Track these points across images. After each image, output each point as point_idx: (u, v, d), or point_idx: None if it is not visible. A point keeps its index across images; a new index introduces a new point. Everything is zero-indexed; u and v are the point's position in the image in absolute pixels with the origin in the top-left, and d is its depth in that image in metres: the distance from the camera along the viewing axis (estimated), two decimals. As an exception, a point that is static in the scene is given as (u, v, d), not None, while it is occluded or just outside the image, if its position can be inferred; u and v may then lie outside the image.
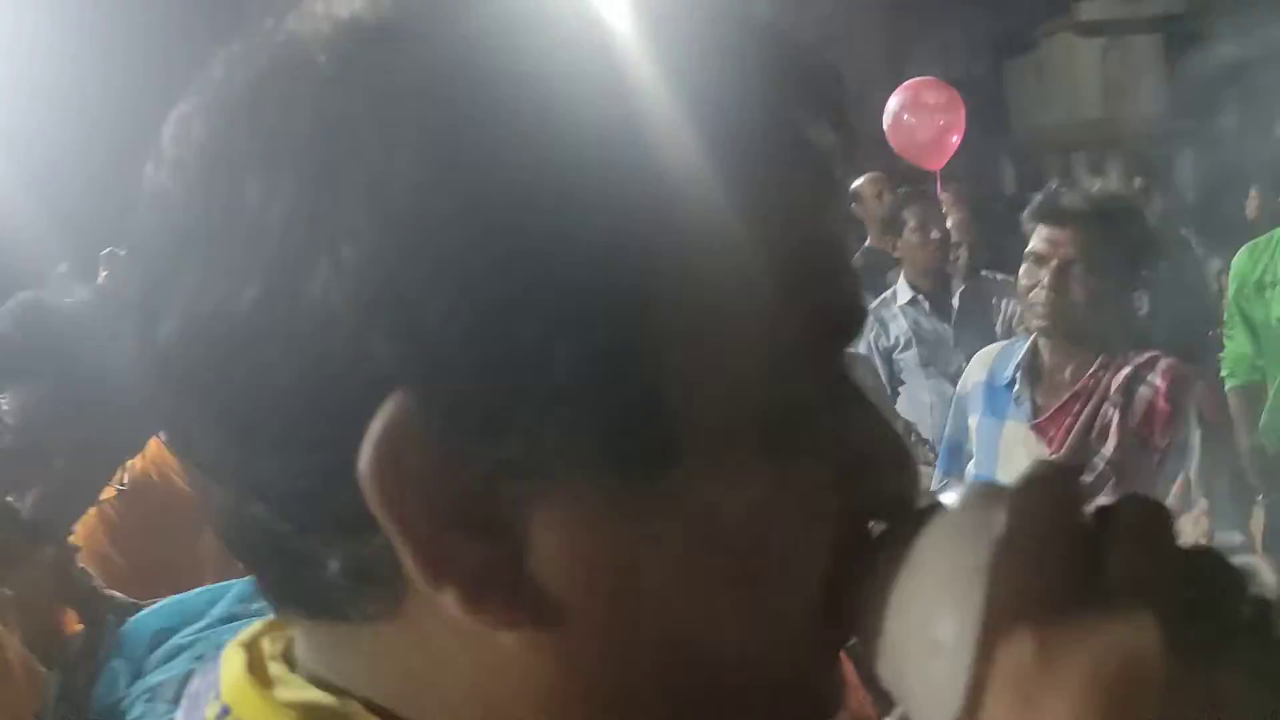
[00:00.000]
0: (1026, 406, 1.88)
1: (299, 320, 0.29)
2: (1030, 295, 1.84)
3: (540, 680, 0.32)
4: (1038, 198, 1.94)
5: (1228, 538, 1.69)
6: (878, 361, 3.14)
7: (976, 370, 2.04)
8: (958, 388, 2.10)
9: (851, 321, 0.35)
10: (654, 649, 0.32)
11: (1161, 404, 1.76)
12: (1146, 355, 1.84)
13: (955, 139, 4.02)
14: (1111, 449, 1.77)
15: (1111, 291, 1.81)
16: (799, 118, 0.34)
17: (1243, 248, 2.72)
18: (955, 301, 3.22)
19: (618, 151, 0.30)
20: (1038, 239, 1.85)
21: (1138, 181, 5.05)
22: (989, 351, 2.06)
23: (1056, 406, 1.83)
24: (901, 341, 3.17)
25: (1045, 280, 1.81)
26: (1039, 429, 1.85)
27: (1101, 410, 1.79)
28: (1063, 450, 1.78)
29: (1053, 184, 1.98)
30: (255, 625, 0.37)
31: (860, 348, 3.00)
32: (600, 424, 0.30)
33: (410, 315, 0.29)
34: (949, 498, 0.34)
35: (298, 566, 0.32)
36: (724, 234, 0.31)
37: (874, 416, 0.36)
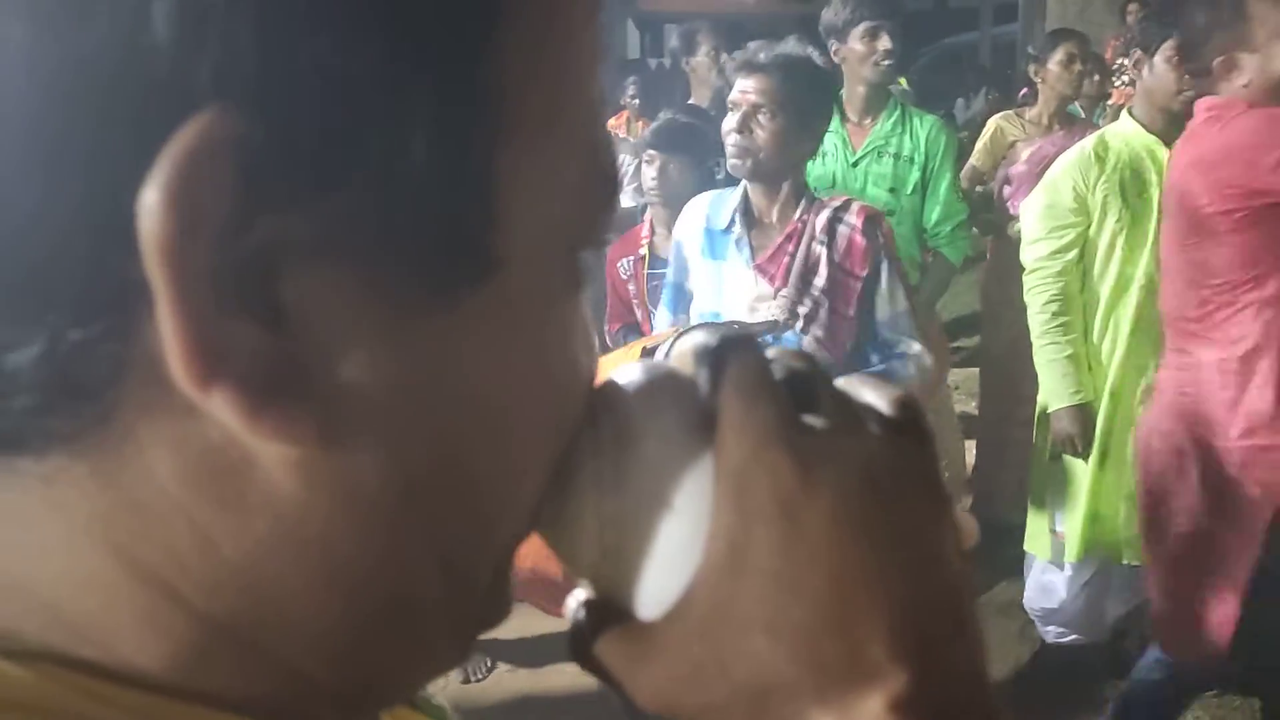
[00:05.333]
0: (747, 249, 2.09)
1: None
2: (726, 140, 2.06)
3: (298, 524, 0.26)
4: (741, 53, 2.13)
5: (914, 346, 2.04)
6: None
7: (693, 217, 2.20)
8: (674, 233, 2.26)
9: (615, 191, 0.32)
10: (427, 491, 0.28)
11: (858, 239, 2.03)
12: (841, 199, 2.11)
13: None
14: (823, 280, 2.02)
15: (791, 134, 2.03)
16: None
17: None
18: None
19: None
20: (735, 89, 2.07)
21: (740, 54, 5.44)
22: (702, 199, 2.23)
23: (773, 248, 2.06)
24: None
25: (734, 124, 2.03)
26: (760, 269, 2.07)
27: (811, 247, 2.04)
28: (785, 284, 2.03)
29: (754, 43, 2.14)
30: None
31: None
32: (423, 209, 0.25)
33: (228, 22, 0.22)
34: (620, 374, 0.34)
35: None
36: (564, 36, 0.29)
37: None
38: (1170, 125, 2.43)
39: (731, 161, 2.07)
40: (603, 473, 0.32)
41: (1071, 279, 2.47)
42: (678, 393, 0.33)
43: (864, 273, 2.02)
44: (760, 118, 2.02)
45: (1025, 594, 2.79)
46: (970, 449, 3.55)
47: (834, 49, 2.87)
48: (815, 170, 2.89)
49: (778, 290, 2.04)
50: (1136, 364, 2.45)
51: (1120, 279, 2.44)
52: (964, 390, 4.61)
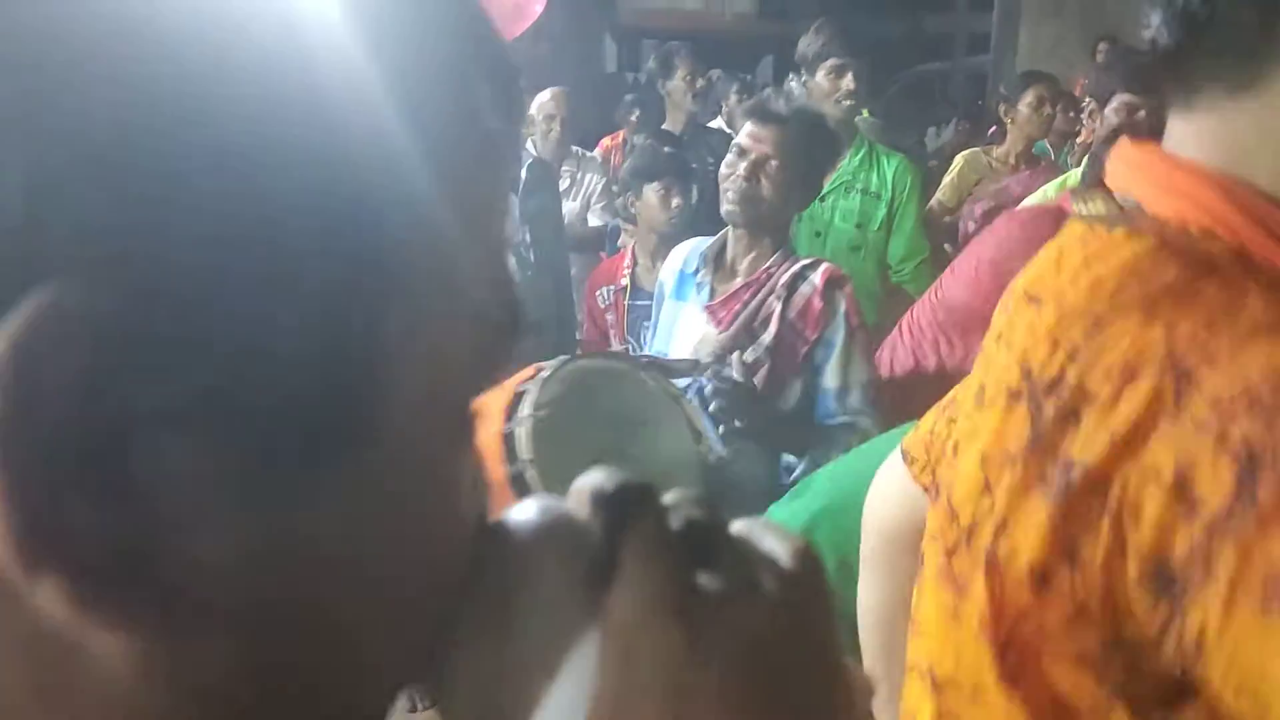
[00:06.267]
0: (706, 291, 2.05)
1: None
2: (727, 183, 2.02)
3: (133, 711, 0.24)
4: (751, 99, 2.11)
5: (861, 421, 1.90)
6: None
7: (674, 260, 2.18)
8: (659, 279, 2.23)
9: (513, 332, 0.31)
10: (288, 674, 0.26)
11: (817, 301, 1.94)
12: (813, 259, 2.05)
13: (537, 8, 4.09)
14: (770, 336, 1.94)
15: (796, 188, 2.03)
16: (483, 106, 0.29)
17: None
18: (523, 173, 3.37)
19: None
20: (743, 135, 2.04)
21: (715, 74, 5.44)
22: (686, 244, 2.20)
23: (729, 293, 2.01)
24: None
25: (741, 171, 1.99)
26: (710, 311, 2.01)
27: (767, 301, 1.97)
28: (728, 332, 1.96)
29: (766, 90, 2.18)
30: None
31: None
32: (298, 379, 0.24)
33: (81, 194, 0.21)
34: (512, 514, 0.33)
35: None
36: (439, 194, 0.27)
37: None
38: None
39: (729, 207, 2.02)
40: (484, 626, 0.30)
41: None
42: (569, 540, 0.31)
43: (814, 336, 1.95)
44: (770, 168, 1.99)
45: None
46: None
47: (803, 79, 2.88)
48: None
49: (721, 334, 1.99)
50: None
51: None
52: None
